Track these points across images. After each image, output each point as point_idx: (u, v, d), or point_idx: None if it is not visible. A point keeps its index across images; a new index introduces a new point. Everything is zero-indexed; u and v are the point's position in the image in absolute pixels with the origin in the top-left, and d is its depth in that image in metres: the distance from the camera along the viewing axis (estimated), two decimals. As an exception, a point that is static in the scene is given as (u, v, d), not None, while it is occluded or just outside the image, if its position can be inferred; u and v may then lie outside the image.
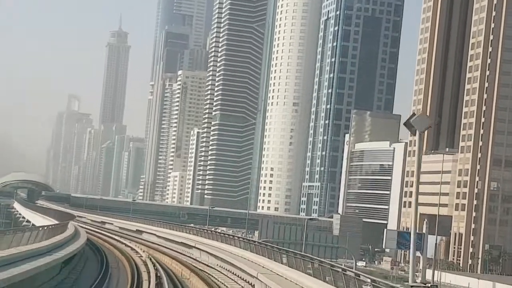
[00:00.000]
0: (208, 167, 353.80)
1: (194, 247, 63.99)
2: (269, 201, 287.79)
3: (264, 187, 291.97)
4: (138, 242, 78.44)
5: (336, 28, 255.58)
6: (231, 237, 58.74)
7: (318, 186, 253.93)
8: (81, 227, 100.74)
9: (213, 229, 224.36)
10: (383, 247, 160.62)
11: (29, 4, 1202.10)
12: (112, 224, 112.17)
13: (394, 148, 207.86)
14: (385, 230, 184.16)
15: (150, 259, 53.19)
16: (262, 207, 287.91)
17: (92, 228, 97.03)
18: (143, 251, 59.40)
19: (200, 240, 64.46)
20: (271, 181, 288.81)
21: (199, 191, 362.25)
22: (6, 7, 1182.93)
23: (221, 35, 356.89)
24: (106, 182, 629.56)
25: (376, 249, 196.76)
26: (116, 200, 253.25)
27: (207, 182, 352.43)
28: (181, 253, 64.44)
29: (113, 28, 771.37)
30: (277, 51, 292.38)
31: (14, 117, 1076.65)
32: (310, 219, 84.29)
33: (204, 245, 60.48)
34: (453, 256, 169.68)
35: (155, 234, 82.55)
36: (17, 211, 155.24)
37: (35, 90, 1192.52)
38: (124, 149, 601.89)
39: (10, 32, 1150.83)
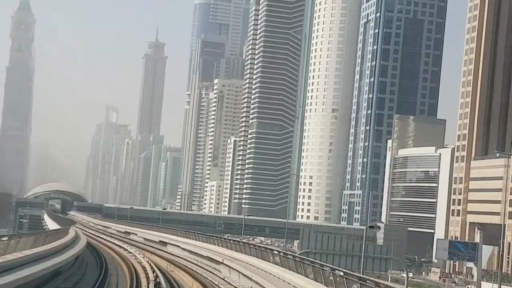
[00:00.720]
0: (246, 176, 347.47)
1: (222, 263, 53.04)
2: (308, 210, 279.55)
3: (303, 196, 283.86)
4: (157, 254, 70.46)
5: (377, 30, 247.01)
6: (268, 251, 46.79)
7: (360, 194, 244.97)
8: (99, 238, 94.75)
9: (250, 239, 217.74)
10: (434, 257, 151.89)
11: (67, 16, 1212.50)
12: (136, 234, 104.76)
13: (440, 154, 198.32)
14: (435, 240, 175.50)
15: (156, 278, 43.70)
16: (301, 216, 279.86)
17: (111, 241, 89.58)
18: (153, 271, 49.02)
19: (229, 254, 53.93)
20: (310, 190, 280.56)
21: (237, 200, 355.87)
22: (46, 20, 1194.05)
23: (257, 42, 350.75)
24: (144, 193, 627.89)
25: (422, 259, 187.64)
26: (147, 209, 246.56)
27: (244, 191, 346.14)
28: (206, 269, 54.89)
29: (150, 39, 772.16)
30: (315, 56, 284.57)
31: (53, 129, 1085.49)
32: (370, 226, 73.89)
33: (235, 261, 49.70)
34: (507, 267, 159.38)
35: (179, 246, 73.81)
36: (45, 222, 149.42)
37: (74, 102, 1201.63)
38: (161, 159, 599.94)
39: (49, 44, 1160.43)
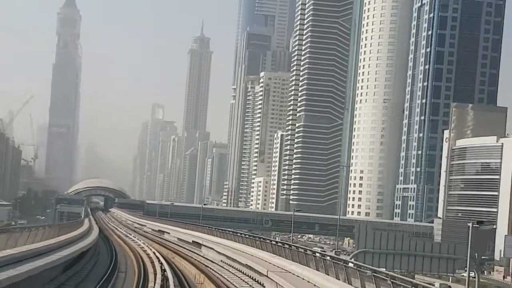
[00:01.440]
0: (293, 171, 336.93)
1: (266, 275, 39.31)
2: (359, 206, 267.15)
3: (354, 191, 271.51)
4: (189, 260, 58.83)
5: (432, 15, 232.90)
6: (327, 260, 33.15)
7: (414, 188, 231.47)
8: (127, 238, 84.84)
9: (299, 236, 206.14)
10: (502, 255, 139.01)
11: (112, 12, 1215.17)
12: (169, 233, 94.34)
13: (502, 143, 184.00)
14: (498, 236, 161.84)
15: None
16: (352, 212, 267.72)
17: (139, 242, 78.94)
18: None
19: (277, 263, 40.27)
20: (361, 184, 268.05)
21: (284, 196, 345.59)
22: (92, 16, 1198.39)
23: (304, 32, 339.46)
24: (190, 190, 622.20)
25: (483, 257, 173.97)
26: (188, 206, 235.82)
27: (292, 187, 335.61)
28: (244, 284, 41.95)
29: (195, 34, 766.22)
30: (365, 44, 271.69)
31: (100, 127, 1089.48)
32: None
33: (284, 275, 35.94)
34: None
35: (213, 249, 61.87)
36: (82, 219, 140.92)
37: (120, 100, 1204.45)
38: (207, 155, 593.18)
39: (94, 41, 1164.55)
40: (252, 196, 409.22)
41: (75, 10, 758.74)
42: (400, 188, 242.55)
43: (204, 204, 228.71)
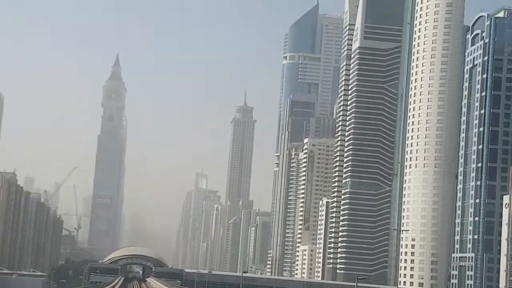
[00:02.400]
0: (340, 239, 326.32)
1: None
2: (411, 275, 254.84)
3: (405, 260, 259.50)
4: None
5: (484, 76, 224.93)
6: None
7: (472, 257, 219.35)
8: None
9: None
10: None
11: (156, 84, 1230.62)
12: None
13: None
14: None
15: None
16: (404, 282, 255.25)
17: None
18: None
19: None
20: (413, 253, 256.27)
21: (331, 265, 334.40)
22: (137, 88, 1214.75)
23: (349, 98, 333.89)
24: (234, 259, 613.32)
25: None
26: (228, 275, 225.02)
27: (339, 255, 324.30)
28: None
29: (239, 103, 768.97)
30: (414, 108, 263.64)
31: (144, 197, 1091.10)
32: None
33: None
34: None
35: None
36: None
37: (164, 170, 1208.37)
38: (250, 224, 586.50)
39: (139, 112, 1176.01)
40: (297, 264, 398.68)
41: (120, 83, 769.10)
42: (456, 257, 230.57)
43: (244, 272, 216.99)
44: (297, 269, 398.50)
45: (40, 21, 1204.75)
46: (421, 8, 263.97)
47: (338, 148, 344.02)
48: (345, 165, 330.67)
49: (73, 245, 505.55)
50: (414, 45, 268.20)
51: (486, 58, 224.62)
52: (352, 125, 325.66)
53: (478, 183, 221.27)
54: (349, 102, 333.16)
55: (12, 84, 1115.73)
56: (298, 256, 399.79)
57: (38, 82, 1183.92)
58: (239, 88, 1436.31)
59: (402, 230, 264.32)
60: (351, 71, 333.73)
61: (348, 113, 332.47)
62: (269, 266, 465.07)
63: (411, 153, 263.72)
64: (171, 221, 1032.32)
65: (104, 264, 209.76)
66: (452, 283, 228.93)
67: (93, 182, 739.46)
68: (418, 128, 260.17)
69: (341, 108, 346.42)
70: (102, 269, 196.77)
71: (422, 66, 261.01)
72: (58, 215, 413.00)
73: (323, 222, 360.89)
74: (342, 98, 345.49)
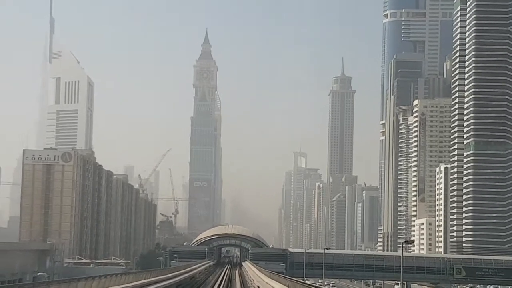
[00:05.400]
0: (465, 208, 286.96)
1: None
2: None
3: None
4: None
5: None
6: None
7: None
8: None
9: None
10: None
11: (247, 60, 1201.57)
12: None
13: None
14: None
15: None
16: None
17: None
18: None
19: None
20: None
21: (455, 238, 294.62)
22: (228, 66, 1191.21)
23: (466, 52, 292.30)
24: (340, 238, 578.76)
25: None
26: (349, 253, 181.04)
27: (464, 227, 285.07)
28: None
29: (335, 74, 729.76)
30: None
31: (243, 180, 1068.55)
32: None
33: None
34: None
35: None
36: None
37: (261, 150, 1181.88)
38: (356, 200, 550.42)
39: (232, 91, 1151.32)
40: (414, 240, 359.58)
41: (211, 62, 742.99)
42: None
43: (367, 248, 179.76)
44: (413, 245, 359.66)
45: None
46: None
47: (457, 106, 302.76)
48: (465, 124, 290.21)
49: (172, 231, 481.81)
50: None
51: None
52: (473, 83, 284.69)
53: None
54: (466, 57, 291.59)
55: (100, 69, 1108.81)
56: (414, 230, 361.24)
57: (126, 67, 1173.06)
58: (335, 58, 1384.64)
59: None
60: (467, 16, 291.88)
61: (467, 63, 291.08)
62: (380, 243, 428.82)
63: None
64: (271, 203, 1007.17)
65: (192, 246, 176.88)
66: None
67: (188, 165, 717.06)
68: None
69: (457, 65, 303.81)
70: (184, 253, 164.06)
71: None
72: (150, 199, 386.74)
73: (442, 191, 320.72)
74: (458, 49, 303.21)
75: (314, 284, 56.44)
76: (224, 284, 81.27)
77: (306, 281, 78.85)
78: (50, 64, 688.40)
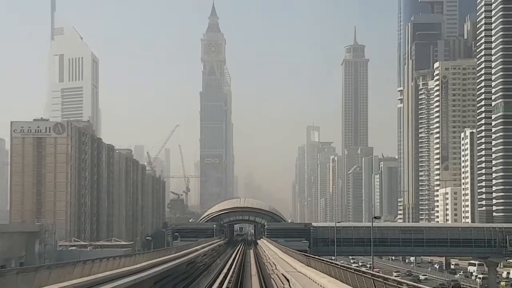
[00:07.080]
0: (494, 174, 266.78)
1: None
2: None
3: None
4: None
5: None
6: None
7: None
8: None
9: None
10: None
11: (256, 33, 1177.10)
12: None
13: None
14: None
15: None
16: None
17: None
18: None
19: None
20: None
21: (484, 208, 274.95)
22: (236, 39, 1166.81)
23: (492, 13, 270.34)
24: (357, 212, 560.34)
25: None
26: (383, 226, 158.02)
27: (494, 194, 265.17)
28: None
29: (348, 42, 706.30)
30: None
31: (255, 156, 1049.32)
32: None
33: None
34: None
35: None
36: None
37: (272, 125, 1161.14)
38: (373, 171, 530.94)
39: (241, 64, 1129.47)
40: (437, 210, 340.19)
41: (219, 35, 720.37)
42: None
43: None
44: (437, 216, 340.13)
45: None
46: None
47: (483, 66, 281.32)
48: (493, 84, 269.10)
49: (184, 209, 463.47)
50: None
51: None
52: (501, 37, 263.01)
53: None
54: (493, 12, 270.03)
55: (105, 46, 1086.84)
56: (437, 200, 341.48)
57: (131, 42, 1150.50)
58: (347, 26, 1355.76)
59: None
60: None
61: (494, 24, 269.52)
62: (401, 215, 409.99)
63: None
64: (285, 179, 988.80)
65: (195, 224, 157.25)
66: None
67: (199, 141, 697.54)
68: None
69: (482, 23, 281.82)
70: (187, 231, 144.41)
71: None
72: (158, 176, 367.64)
73: (468, 157, 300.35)
74: (483, 10, 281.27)
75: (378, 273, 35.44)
76: (234, 271, 61.16)
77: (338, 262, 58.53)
78: (53, 41, 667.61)
